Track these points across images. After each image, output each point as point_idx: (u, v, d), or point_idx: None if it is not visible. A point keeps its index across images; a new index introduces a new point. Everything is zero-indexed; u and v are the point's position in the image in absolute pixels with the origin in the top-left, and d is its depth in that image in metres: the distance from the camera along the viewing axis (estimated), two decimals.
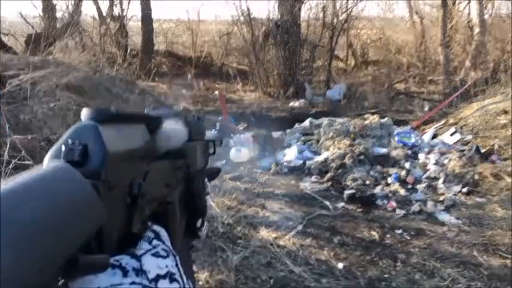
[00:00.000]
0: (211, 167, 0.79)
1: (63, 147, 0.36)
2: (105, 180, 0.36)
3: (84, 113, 0.40)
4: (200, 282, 2.96)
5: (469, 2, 11.16)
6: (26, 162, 3.83)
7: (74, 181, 0.33)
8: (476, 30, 9.65)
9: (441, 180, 5.01)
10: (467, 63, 9.64)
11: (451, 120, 7.01)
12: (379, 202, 4.54)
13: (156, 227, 0.48)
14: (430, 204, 4.46)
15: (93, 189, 0.34)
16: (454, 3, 10.84)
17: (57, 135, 5.16)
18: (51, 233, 0.28)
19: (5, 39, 9.98)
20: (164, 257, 0.44)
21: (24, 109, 5.29)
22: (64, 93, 5.84)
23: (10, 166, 3.72)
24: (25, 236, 0.25)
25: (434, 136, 6.65)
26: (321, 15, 10.97)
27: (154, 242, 0.45)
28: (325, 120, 6.58)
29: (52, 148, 0.37)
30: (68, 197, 0.31)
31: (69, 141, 0.37)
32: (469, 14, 11.18)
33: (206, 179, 0.71)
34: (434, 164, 5.39)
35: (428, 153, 5.79)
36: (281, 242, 3.58)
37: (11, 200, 0.26)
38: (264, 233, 3.70)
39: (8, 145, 3.86)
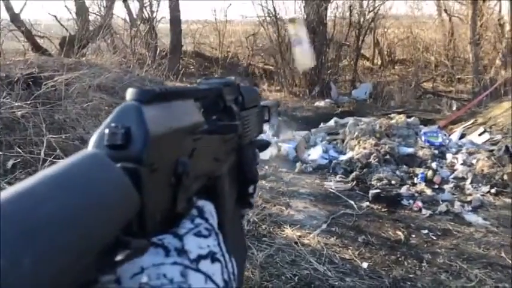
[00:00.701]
0: (261, 139, 0.76)
1: (106, 131, 0.35)
2: (147, 163, 0.35)
3: (128, 93, 0.39)
4: None
5: None
6: (61, 160, 4.00)
7: (101, 168, 0.32)
8: (507, 27, 9.43)
9: (469, 181, 4.96)
10: (498, 62, 9.43)
11: (480, 120, 6.89)
12: (404, 202, 4.53)
13: (201, 203, 0.47)
14: (457, 204, 4.42)
15: (124, 175, 0.33)
16: (484, 0, 10.60)
17: (90, 134, 5.35)
18: (76, 230, 0.27)
19: (40, 41, 10.35)
20: (206, 237, 0.44)
21: (59, 109, 5.49)
22: (96, 93, 6.04)
23: (46, 164, 3.90)
24: (48, 234, 0.24)
25: (462, 136, 6.56)
26: (348, 14, 10.92)
27: (197, 220, 0.45)
28: (350, 120, 6.58)
29: (96, 131, 0.36)
30: (95, 185, 0.30)
31: (112, 124, 0.36)
32: (499, 11, 10.91)
33: (257, 150, 0.70)
34: (462, 164, 5.33)
35: (456, 153, 5.72)
36: (305, 241, 3.64)
37: (41, 190, 0.26)
38: (289, 231, 3.76)
39: (44, 144, 4.04)
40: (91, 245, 0.28)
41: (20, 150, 4.43)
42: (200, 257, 0.42)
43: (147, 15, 11.43)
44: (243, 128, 0.60)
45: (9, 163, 4.26)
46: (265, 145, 0.76)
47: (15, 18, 9.34)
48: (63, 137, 4.80)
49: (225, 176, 0.56)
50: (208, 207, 0.48)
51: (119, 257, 0.30)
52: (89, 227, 0.28)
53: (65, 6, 10.79)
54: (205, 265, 0.42)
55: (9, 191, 0.25)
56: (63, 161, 0.30)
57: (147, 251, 0.35)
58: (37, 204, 0.25)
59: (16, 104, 4.98)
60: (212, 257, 0.43)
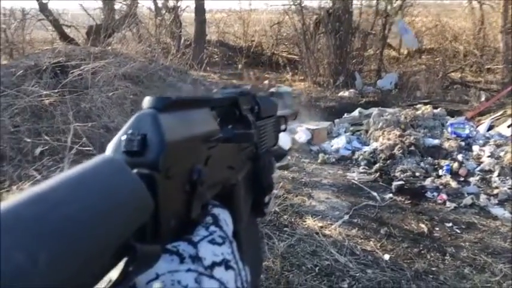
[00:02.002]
0: (279, 148, 0.76)
1: (124, 137, 0.36)
2: (163, 169, 0.36)
3: (145, 101, 0.40)
4: None
5: None
6: (87, 148, 4.09)
7: (117, 173, 0.33)
8: None
9: (496, 173, 4.84)
10: None
11: (509, 111, 6.69)
12: (428, 194, 4.46)
13: (216, 210, 0.48)
14: (482, 197, 4.33)
15: (139, 181, 0.34)
16: None
17: (115, 123, 5.44)
18: (91, 232, 0.28)
19: (67, 30, 10.54)
20: (220, 244, 0.45)
21: (85, 98, 5.60)
22: (122, 82, 6.13)
23: (72, 152, 3.99)
24: (63, 235, 0.25)
25: (490, 128, 6.40)
26: (374, 2, 10.72)
27: (212, 228, 0.46)
28: (375, 111, 6.49)
29: (114, 138, 0.37)
30: (111, 190, 0.31)
31: (129, 131, 0.37)
32: None
33: (273, 158, 0.69)
34: (489, 156, 5.21)
35: (483, 145, 5.59)
36: (327, 232, 3.63)
37: (57, 193, 0.27)
38: (310, 222, 3.76)
39: (71, 132, 4.13)
40: (105, 246, 0.29)
41: (47, 138, 4.55)
42: (214, 264, 0.43)
43: (172, 4, 11.49)
44: (258, 137, 0.60)
45: (37, 150, 4.38)
46: (282, 155, 0.76)
47: (43, 8, 9.52)
48: (89, 125, 4.90)
49: (241, 185, 0.57)
50: (223, 215, 0.49)
51: (130, 268, 0.31)
52: (103, 230, 0.29)
53: None
54: (219, 272, 0.43)
55: (28, 193, 0.26)
56: (81, 165, 0.31)
57: (159, 258, 0.35)
58: (53, 207, 0.26)
59: (44, 93, 5.10)
60: (226, 264, 0.44)
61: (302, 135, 5.91)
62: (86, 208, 0.28)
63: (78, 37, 10.49)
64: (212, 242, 0.44)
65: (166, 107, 0.39)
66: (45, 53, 6.29)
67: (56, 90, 5.22)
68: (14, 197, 0.25)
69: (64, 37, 9.78)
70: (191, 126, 0.43)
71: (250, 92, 0.61)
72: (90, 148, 3.90)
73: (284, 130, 0.76)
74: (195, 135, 0.43)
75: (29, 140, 4.44)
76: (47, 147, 4.55)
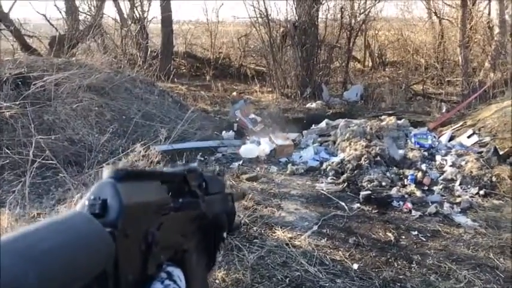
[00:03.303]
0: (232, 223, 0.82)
1: (87, 202, 0.43)
2: (121, 228, 0.43)
3: (105, 172, 0.47)
4: (217, 281, 3.04)
5: (489, 2, 11.02)
6: (50, 161, 3.97)
7: (87, 221, 0.41)
8: (497, 30, 9.53)
9: (458, 182, 5.00)
10: (487, 64, 9.52)
11: (469, 122, 6.95)
12: (395, 203, 4.56)
13: (170, 268, 0.54)
14: (446, 206, 4.46)
15: (103, 228, 0.41)
16: (474, 3, 10.69)
17: (80, 135, 5.32)
18: (66, 261, 0.36)
19: (29, 41, 10.26)
20: None
21: (48, 110, 5.45)
22: (86, 94, 6.00)
23: (35, 165, 3.86)
24: (46, 261, 0.34)
25: (451, 138, 6.61)
26: (339, 16, 10.95)
27: (167, 282, 0.51)
28: (341, 122, 6.60)
29: (79, 202, 0.44)
30: (82, 232, 0.39)
31: (92, 197, 0.44)
32: (489, 14, 11.03)
33: (225, 233, 0.76)
34: (451, 165, 5.38)
35: (445, 155, 5.77)
36: (296, 242, 3.64)
37: (38, 233, 0.36)
38: (280, 233, 3.77)
39: (32, 145, 4.00)
40: (78, 275, 0.37)
41: (8, 151, 4.38)
42: None
43: (138, 15, 11.37)
44: (207, 210, 0.65)
45: None
46: (235, 228, 0.83)
47: (4, 17, 9.25)
48: (53, 137, 4.76)
49: (192, 251, 0.63)
50: (177, 272, 0.54)
51: None
52: (76, 261, 0.37)
53: (55, 5, 10.68)
54: None
55: (22, 230, 0.36)
56: (59, 215, 0.41)
57: None
58: (38, 242, 0.35)
59: (5, 105, 4.93)
60: None
61: (266, 147, 5.95)
62: (63, 244, 0.37)
63: (41, 48, 10.23)
64: None
65: (123, 177, 0.46)
66: (6, 64, 6.09)
67: (17, 102, 5.06)
68: (13, 232, 0.35)
69: (26, 47, 9.51)
70: (145, 194, 0.50)
71: (197, 170, 0.66)
72: (54, 161, 3.78)
73: (232, 207, 0.82)
74: (149, 202, 0.50)
75: None
76: (7, 161, 4.38)
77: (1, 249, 0.32)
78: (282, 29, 10.76)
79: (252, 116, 7.72)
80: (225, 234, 0.75)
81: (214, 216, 0.69)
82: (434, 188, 4.96)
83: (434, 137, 6.52)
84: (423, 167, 5.41)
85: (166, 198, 0.54)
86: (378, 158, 5.46)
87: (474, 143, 6.18)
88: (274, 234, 3.76)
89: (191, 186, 0.62)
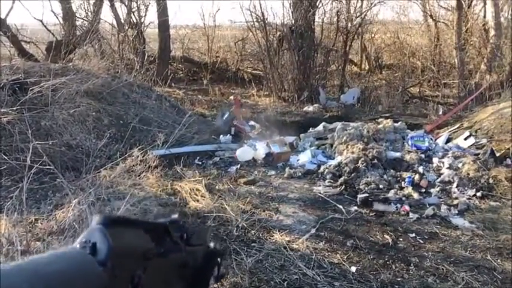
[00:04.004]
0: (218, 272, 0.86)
1: (78, 245, 0.49)
2: (110, 268, 0.48)
3: (95, 218, 0.52)
4: (215, 285, 3.03)
5: (484, 5, 11.08)
6: (47, 167, 3.96)
7: (84, 255, 0.48)
8: (492, 32, 9.58)
9: (455, 184, 5.02)
10: (483, 67, 9.57)
11: (466, 124, 6.98)
12: (392, 206, 4.57)
13: None
14: (443, 208, 4.48)
15: (96, 263, 0.47)
16: (469, 6, 10.77)
17: (77, 140, 5.32)
18: (67, 283, 0.44)
19: (26, 46, 10.27)
20: None
21: (45, 115, 5.45)
22: (84, 99, 6.00)
23: (32, 171, 3.85)
24: (50, 281, 0.41)
25: (448, 140, 6.63)
26: (335, 19, 11.00)
27: None
28: (338, 125, 6.61)
29: (72, 245, 0.50)
30: (79, 263, 0.47)
31: (83, 240, 0.50)
32: (484, 16, 11.08)
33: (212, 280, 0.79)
34: (448, 168, 5.39)
35: (442, 157, 5.79)
36: (294, 246, 3.65)
37: (44, 260, 0.44)
38: (278, 237, 3.77)
39: (30, 150, 3.99)
40: None
41: (5, 157, 4.38)
42: None
43: (135, 20, 11.39)
44: (189, 259, 0.70)
45: None
46: (220, 276, 0.85)
47: (1, 23, 9.25)
48: (50, 143, 4.76)
49: None
50: None
51: None
52: (74, 285, 0.44)
53: (52, 11, 10.70)
54: None
55: (32, 258, 0.43)
56: (60, 248, 0.49)
57: None
58: (44, 266, 0.43)
59: (2, 110, 4.93)
60: None
61: (262, 151, 5.96)
62: (62, 270, 0.44)
63: (38, 53, 10.24)
64: None
65: (110, 224, 0.52)
66: (3, 70, 6.10)
67: (14, 108, 5.06)
68: (24, 260, 0.42)
69: (23, 53, 9.52)
70: (131, 240, 0.55)
71: (179, 221, 0.70)
72: (51, 167, 3.78)
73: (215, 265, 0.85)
74: (134, 247, 0.55)
75: None
76: (5, 167, 4.38)
77: (13, 269, 0.39)
78: (278, 33, 10.79)
79: (252, 122, 7.74)
80: (211, 281, 0.79)
81: (196, 266, 0.73)
82: (432, 190, 4.97)
83: (431, 139, 6.54)
84: (420, 169, 5.43)
85: (150, 244, 0.59)
86: (375, 161, 5.48)
87: (471, 145, 6.21)
88: (272, 238, 3.76)
89: (173, 236, 0.66)
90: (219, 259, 0.84)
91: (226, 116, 7.34)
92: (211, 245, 0.83)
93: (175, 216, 0.72)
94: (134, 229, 0.58)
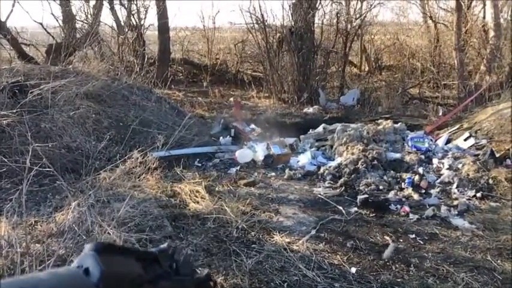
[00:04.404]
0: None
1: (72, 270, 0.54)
2: None
3: (87, 246, 0.57)
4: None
5: (484, 6, 11.09)
6: (47, 169, 3.96)
7: (80, 274, 0.53)
8: (492, 33, 9.58)
9: (455, 185, 5.02)
10: (482, 67, 9.56)
11: (466, 125, 6.98)
12: (392, 207, 4.57)
13: None
14: (443, 209, 4.47)
15: (92, 283, 0.52)
16: (468, 7, 10.77)
17: (77, 142, 5.32)
18: None
19: (26, 49, 10.28)
20: None
21: (45, 117, 5.45)
22: (83, 101, 6.01)
23: (32, 173, 3.85)
24: None
25: (448, 141, 6.63)
26: (335, 21, 11.01)
27: None
28: (338, 126, 6.62)
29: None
30: (76, 281, 0.52)
31: (77, 265, 0.54)
32: (484, 17, 11.08)
33: None
34: (448, 168, 5.40)
35: (442, 158, 5.79)
36: (294, 247, 3.64)
37: (42, 276, 0.48)
38: (278, 238, 3.77)
39: (29, 153, 3.98)
40: None
41: (5, 160, 4.38)
42: None
43: (134, 23, 11.41)
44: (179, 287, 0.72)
45: None
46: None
47: (0, 26, 9.26)
48: (50, 145, 4.76)
49: None
50: None
51: None
52: None
53: (52, 13, 10.71)
54: None
55: (33, 274, 0.48)
56: (58, 268, 0.54)
57: None
58: (41, 281, 0.48)
59: (1, 113, 4.93)
60: None
61: (261, 153, 5.96)
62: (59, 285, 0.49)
63: (38, 56, 10.25)
64: None
65: (102, 251, 0.56)
66: (3, 73, 6.10)
67: (14, 111, 5.06)
68: (27, 276, 0.47)
69: (23, 56, 9.53)
70: (121, 266, 0.59)
71: (168, 251, 0.73)
72: (51, 169, 3.77)
73: None
74: (124, 273, 0.58)
75: None
76: (4, 169, 4.38)
77: (14, 284, 0.44)
78: (278, 35, 10.81)
79: (252, 126, 7.74)
80: None
81: None
82: (432, 191, 4.97)
83: (431, 140, 6.55)
84: (420, 170, 5.43)
85: (140, 271, 0.63)
86: (375, 162, 5.48)
87: (471, 146, 6.21)
88: (272, 239, 3.76)
89: (162, 265, 0.70)
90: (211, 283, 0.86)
91: (221, 124, 7.34)
92: (201, 273, 0.84)
93: (164, 246, 0.75)
94: (125, 256, 0.62)
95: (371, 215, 4.36)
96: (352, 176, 5.24)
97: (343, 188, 5.02)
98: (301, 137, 6.97)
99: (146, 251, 0.69)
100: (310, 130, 7.14)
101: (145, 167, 4.41)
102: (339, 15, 10.99)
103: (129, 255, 0.63)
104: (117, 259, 0.59)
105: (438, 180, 5.21)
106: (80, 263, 0.54)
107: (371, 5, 11.50)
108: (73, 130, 5.48)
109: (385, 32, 14.07)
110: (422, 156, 5.84)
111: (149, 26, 12.01)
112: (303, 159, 5.95)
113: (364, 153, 5.59)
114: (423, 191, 4.98)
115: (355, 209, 4.49)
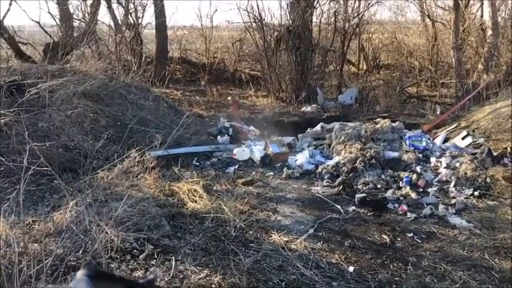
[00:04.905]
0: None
1: None
2: None
3: (79, 272, 0.61)
4: (213, 286, 3.03)
5: (481, 4, 11.12)
6: (44, 168, 3.96)
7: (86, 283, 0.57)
8: (489, 32, 9.60)
9: (452, 184, 5.02)
10: (480, 66, 9.59)
11: (463, 124, 6.99)
12: (390, 206, 4.57)
13: None
14: (441, 207, 4.48)
15: None
16: (466, 6, 10.78)
17: (75, 142, 5.31)
18: None
19: (23, 48, 10.25)
20: None
21: (43, 117, 5.44)
22: (81, 100, 6.00)
23: (29, 173, 3.84)
24: None
25: (446, 140, 6.65)
26: (333, 20, 11.01)
27: None
28: (336, 125, 6.62)
29: None
30: None
31: None
32: (481, 16, 11.12)
33: None
34: (446, 167, 5.40)
35: (440, 156, 5.80)
36: (292, 246, 3.64)
37: None
38: (276, 237, 3.77)
39: (27, 152, 3.97)
40: None
41: (2, 159, 4.38)
42: None
43: (132, 21, 11.39)
44: None
45: None
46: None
47: None
48: (47, 144, 4.75)
49: None
50: None
51: None
52: None
53: (49, 12, 10.70)
54: None
55: None
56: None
57: None
58: None
59: None
60: None
61: (258, 153, 5.96)
62: None
63: (35, 55, 10.23)
64: None
65: (94, 276, 0.60)
66: (0, 71, 6.09)
67: (11, 110, 5.05)
68: None
69: (20, 55, 9.50)
70: None
71: (155, 282, 0.82)
72: (49, 168, 3.77)
73: None
74: None
75: None
76: (2, 169, 4.38)
77: None
78: (276, 34, 10.80)
79: (251, 127, 7.74)
80: None
81: None
82: (429, 189, 4.97)
83: (429, 139, 6.56)
84: (418, 169, 5.43)
85: None
86: (373, 161, 5.48)
87: (468, 145, 6.22)
88: (270, 238, 3.76)
89: None
90: None
91: (230, 133, 7.33)
92: None
93: (151, 277, 0.82)
94: (116, 284, 0.66)
95: (369, 214, 4.36)
96: (350, 174, 5.24)
97: (341, 186, 5.02)
98: (299, 136, 6.97)
99: (135, 281, 0.75)
100: (308, 129, 7.14)
101: (143, 166, 4.41)
102: (336, 13, 10.99)
103: (119, 284, 0.67)
104: (108, 285, 0.63)
105: (436, 179, 5.22)
106: (73, 287, 0.59)
107: (369, 4, 11.51)
108: (71, 129, 5.47)
109: (383, 30, 14.09)
110: (420, 155, 5.85)
111: (147, 24, 12.01)
112: (301, 158, 5.95)
113: (362, 152, 5.60)
114: (421, 190, 4.98)
115: (353, 207, 4.50)
